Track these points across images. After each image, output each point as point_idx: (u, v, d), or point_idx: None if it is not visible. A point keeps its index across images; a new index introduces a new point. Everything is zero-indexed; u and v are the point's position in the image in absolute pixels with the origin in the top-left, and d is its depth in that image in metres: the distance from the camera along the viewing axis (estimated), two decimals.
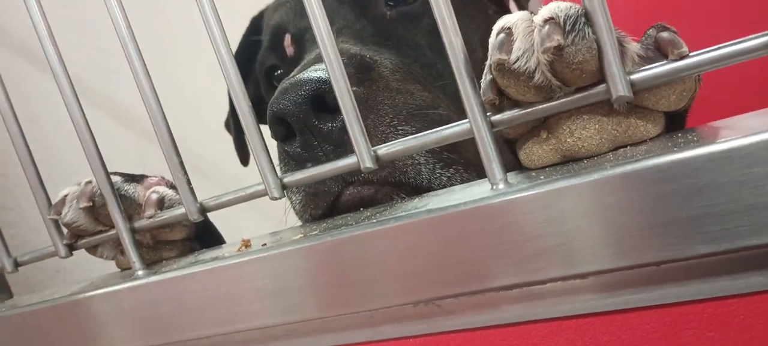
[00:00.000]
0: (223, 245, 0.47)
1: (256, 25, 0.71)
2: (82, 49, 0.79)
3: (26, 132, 0.49)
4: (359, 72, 0.45)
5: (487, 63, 0.31)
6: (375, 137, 0.44)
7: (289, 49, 0.59)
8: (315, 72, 0.42)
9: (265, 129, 0.49)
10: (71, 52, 0.44)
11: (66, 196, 0.47)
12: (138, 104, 0.87)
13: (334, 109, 0.42)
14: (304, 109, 0.42)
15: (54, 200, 0.48)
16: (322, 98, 0.41)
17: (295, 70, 0.48)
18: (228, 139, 0.83)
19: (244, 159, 0.80)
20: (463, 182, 0.46)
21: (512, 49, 0.29)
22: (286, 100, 0.42)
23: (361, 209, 0.44)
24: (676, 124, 0.32)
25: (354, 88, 0.43)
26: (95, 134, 0.45)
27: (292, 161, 0.45)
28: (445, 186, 0.45)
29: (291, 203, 0.51)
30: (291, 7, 0.61)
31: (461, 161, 0.46)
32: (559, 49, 0.28)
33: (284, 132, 0.44)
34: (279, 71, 0.63)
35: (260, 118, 0.40)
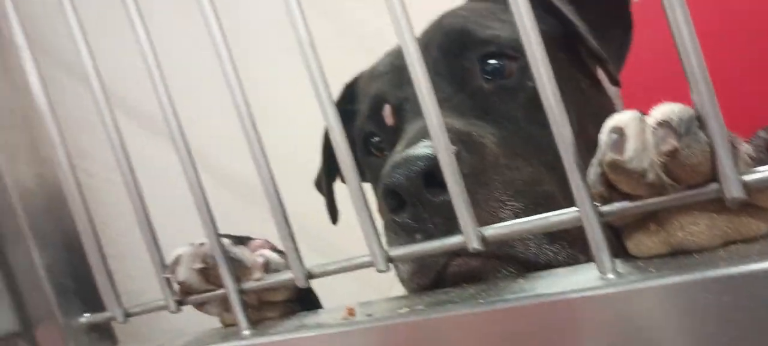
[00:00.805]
0: (326, 310, 0.49)
1: (350, 91, 0.74)
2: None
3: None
4: (467, 148, 0.47)
5: (597, 158, 0.33)
6: (484, 211, 0.46)
7: (389, 119, 0.61)
8: (425, 148, 0.44)
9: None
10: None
11: (180, 256, 0.50)
12: (214, 151, 0.91)
13: (444, 183, 0.44)
14: (415, 183, 0.44)
15: (167, 257, 0.52)
16: (433, 173, 0.43)
17: (403, 143, 0.51)
18: (312, 195, 0.87)
19: (334, 218, 0.83)
20: (567, 257, 0.47)
21: (625, 149, 0.31)
22: (399, 174, 0.44)
23: (468, 280, 0.46)
24: None
25: (462, 164, 0.45)
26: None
27: (401, 231, 0.47)
28: (550, 261, 0.46)
29: (397, 271, 0.52)
30: (390, 78, 0.63)
31: (567, 238, 0.47)
32: (673, 152, 0.29)
33: (395, 204, 0.46)
34: (376, 138, 0.65)
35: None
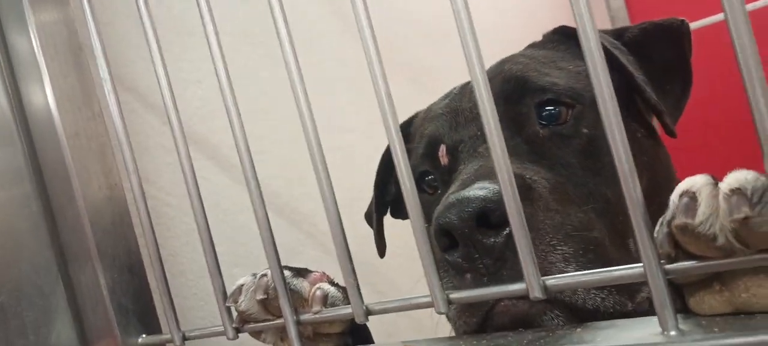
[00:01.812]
0: (381, 345, 0.50)
1: (404, 130, 0.76)
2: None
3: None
4: (520, 191, 0.48)
5: (666, 218, 0.34)
6: (535, 255, 0.46)
7: (444, 159, 0.63)
8: (480, 190, 0.45)
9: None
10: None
11: (242, 286, 0.52)
12: (271, 181, 0.92)
13: (496, 225, 0.45)
14: (469, 224, 0.45)
15: (229, 287, 0.54)
16: (486, 215, 0.45)
17: (457, 184, 0.52)
18: (363, 226, 0.89)
19: (382, 252, 0.85)
20: (614, 303, 0.47)
21: (696, 213, 0.32)
22: (452, 215, 0.46)
23: (514, 322, 0.47)
24: None
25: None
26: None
27: (452, 270, 0.48)
28: (597, 307, 0.47)
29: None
30: (446, 119, 0.66)
31: (615, 284, 0.47)
32: (745, 219, 0.30)
33: (447, 243, 0.47)
34: (430, 176, 0.67)
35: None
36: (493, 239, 0.45)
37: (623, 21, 2.57)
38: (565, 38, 0.69)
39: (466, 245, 0.46)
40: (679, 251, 0.34)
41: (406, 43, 1.29)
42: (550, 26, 0.72)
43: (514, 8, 2.05)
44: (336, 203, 0.47)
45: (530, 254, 0.38)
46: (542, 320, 0.47)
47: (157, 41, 0.54)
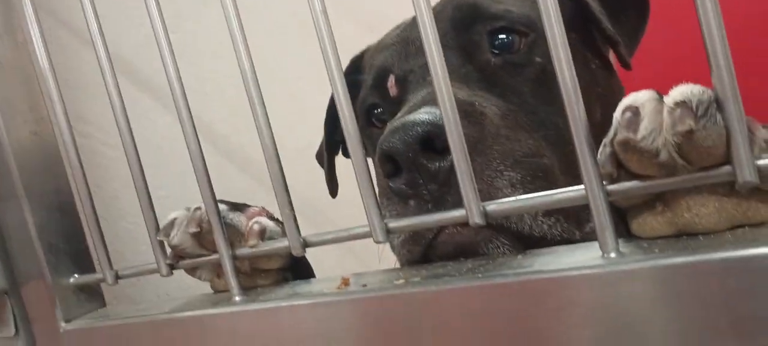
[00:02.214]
0: (319, 280, 0.49)
1: (355, 64, 0.73)
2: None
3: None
4: (468, 116, 0.47)
5: (609, 137, 0.32)
6: (481, 180, 0.45)
7: (393, 90, 0.61)
8: (425, 114, 0.43)
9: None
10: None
11: (175, 220, 0.49)
12: (220, 125, 0.91)
13: (441, 150, 0.43)
14: (413, 149, 0.43)
15: (161, 221, 0.51)
16: (431, 139, 0.43)
17: (403, 110, 0.50)
18: (309, 167, 0.86)
19: (334, 191, 0.83)
20: (562, 231, 0.46)
21: (639, 128, 0.30)
22: (396, 139, 0.44)
23: (459, 250, 0.45)
24: None
25: (464, 132, 0.45)
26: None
27: (395, 197, 0.46)
28: (545, 234, 0.46)
29: (389, 238, 0.52)
30: (396, 50, 0.63)
31: (563, 212, 0.46)
32: (689, 133, 0.28)
33: (391, 169, 0.45)
34: (379, 110, 0.65)
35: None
36: (437, 164, 0.44)
37: None
38: None
39: (410, 171, 0.45)
40: (622, 172, 0.33)
41: None
42: None
43: None
44: (271, 130, 0.44)
45: (470, 179, 0.37)
46: (488, 249, 0.45)
47: None
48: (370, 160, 0.44)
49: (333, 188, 0.83)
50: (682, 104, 0.29)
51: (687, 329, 0.30)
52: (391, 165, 0.45)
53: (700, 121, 0.28)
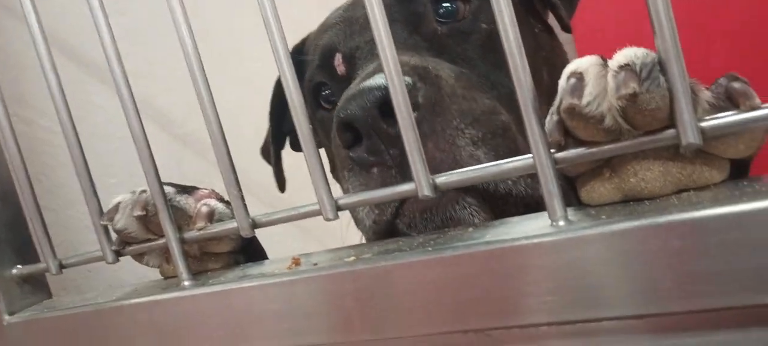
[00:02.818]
0: (271, 261, 0.47)
1: (298, 50, 0.72)
2: (130, 57, 0.83)
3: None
4: (423, 80, 0.46)
5: (555, 105, 0.32)
6: (442, 140, 0.45)
7: (340, 68, 0.60)
8: (381, 79, 0.42)
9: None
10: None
11: (119, 203, 0.48)
12: (175, 110, 0.88)
13: None
14: (371, 114, 0.43)
15: (105, 207, 0.49)
16: (388, 103, 0.42)
17: (357, 80, 0.49)
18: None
19: (282, 186, 0.81)
20: (526, 187, 0.46)
21: (583, 93, 0.30)
22: (354, 105, 0.43)
23: (427, 214, 0.46)
24: (740, 171, 0.32)
25: (418, 94, 0.44)
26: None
27: (357, 167, 0.46)
28: (509, 191, 0.46)
29: (354, 212, 0.51)
30: (341, 28, 0.62)
31: None
32: (633, 96, 0.28)
33: (351, 138, 0.45)
34: (327, 91, 0.64)
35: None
36: (398, 128, 0.43)
37: None
38: None
39: (370, 137, 0.44)
40: (569, 139, 0.32)
41: None
42: None
43: None
44: (215, 108, 0.43)
45: (418, 152, 0.36)
46: (455, 210, 0.45)
47: None
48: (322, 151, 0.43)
49: (281, 182, 0.81)
50: (625, 67, 0.29)
51: (635, 292, 0.30)
52: (349, 134, 0.44)
53: (644, 83, 0.28)
